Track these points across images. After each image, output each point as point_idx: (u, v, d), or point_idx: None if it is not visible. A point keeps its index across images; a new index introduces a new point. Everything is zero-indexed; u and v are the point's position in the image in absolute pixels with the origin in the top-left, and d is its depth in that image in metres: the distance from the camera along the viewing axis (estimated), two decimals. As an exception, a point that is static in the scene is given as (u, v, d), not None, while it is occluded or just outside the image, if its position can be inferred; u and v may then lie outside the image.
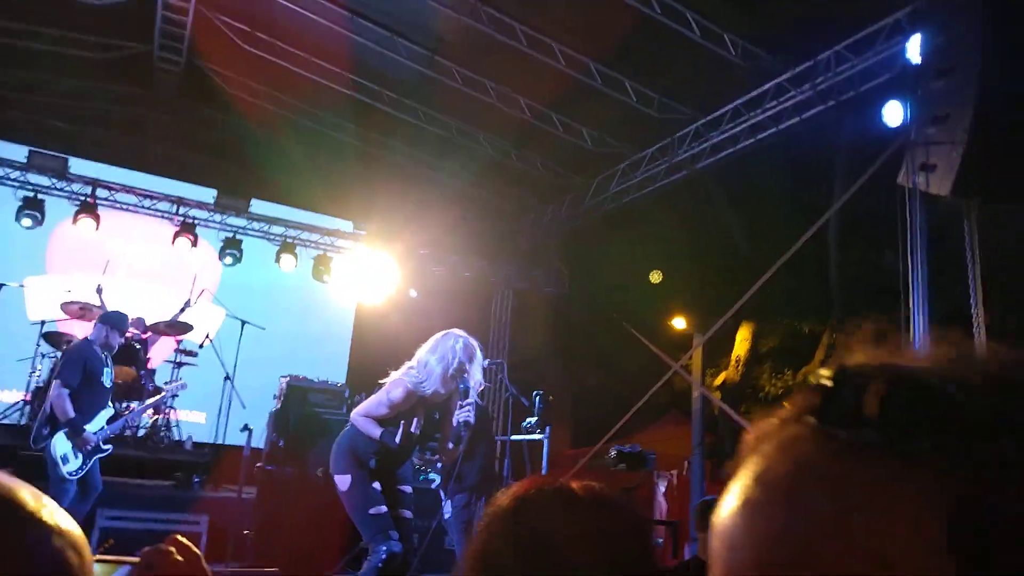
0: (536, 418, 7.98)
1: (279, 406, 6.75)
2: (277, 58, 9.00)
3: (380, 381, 3.80)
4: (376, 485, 3.65)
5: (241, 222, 9.93)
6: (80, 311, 7.39)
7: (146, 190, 9.65)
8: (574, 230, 11.96)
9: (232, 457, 7.22)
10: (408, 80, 8.94)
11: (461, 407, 3.70)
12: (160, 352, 8.13)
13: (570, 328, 14.14)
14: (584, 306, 12.79)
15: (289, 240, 10.01)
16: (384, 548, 3.48)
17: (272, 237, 10.09)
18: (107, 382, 5.27)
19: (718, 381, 11.57)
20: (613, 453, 9.80)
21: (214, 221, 9.85)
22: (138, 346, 7.45)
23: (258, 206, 10.08)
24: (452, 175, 10.73)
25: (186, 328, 7.72)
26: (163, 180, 10.04)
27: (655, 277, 10.30)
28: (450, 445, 3.83)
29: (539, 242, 11.76)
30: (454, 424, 3.73)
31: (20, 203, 8.78)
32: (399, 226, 10.67)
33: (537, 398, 8.04)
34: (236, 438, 7.62)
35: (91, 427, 5.05)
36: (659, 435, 14.13)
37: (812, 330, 10.99)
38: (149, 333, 7.65)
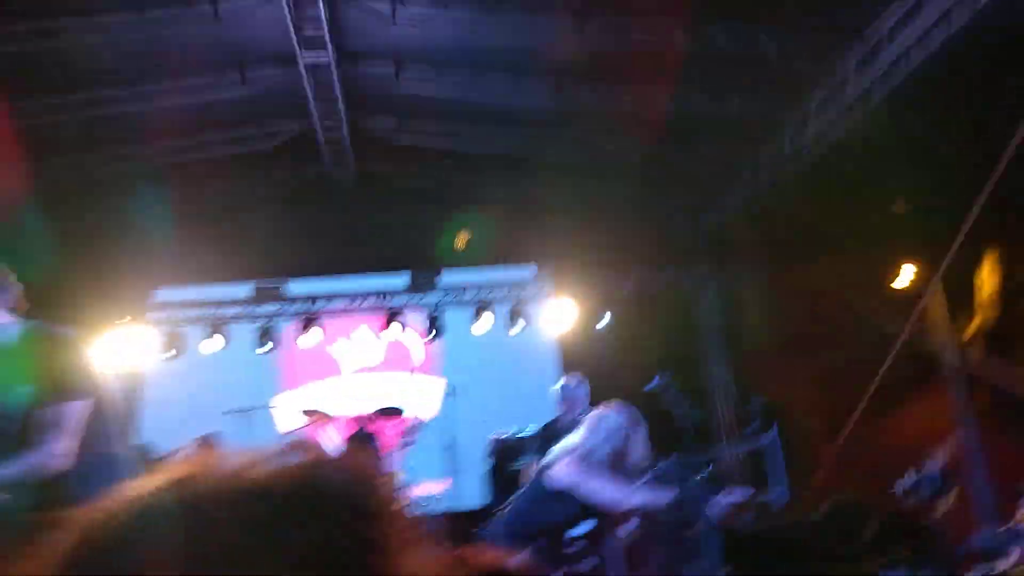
0: (757, 422, 7.47)
1: (491, 465, 6.98)
2: (427, 137, 9.58)
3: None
4: (546, 553, 3.63)
5: (436, 297, 10.55)
6: (314, 419, 8.24)
7: (352, 291, 10.62)
8: (761, 208, 11.20)
9: (473, 521, 7.54)
10: (537, 111, 8.96)
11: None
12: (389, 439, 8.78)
13: (792, 315, 13.15)
14: (800, 288, 11.84)
15: (479, 302, 10.44)
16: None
17: (465, 303, 10.59)
18: None
19: (972, 329, 10.02)
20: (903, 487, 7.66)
21: (413, 303, 10.56)
22: (367, 436, 8.15)
23: (447, 276, 10.66)
24: (612, 193, 10.51)
25: (396, 412, 8.29)
26: (365, 278, 10.97)
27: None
28: (629, 528, 3.73)
29: (725, 231, 11.14)
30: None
31: (257, 332, 10.05)
32: (576, 257, 10.71)
33: (755, 401, 7.55)
34: (471, 501, 8.02)
35: None
36: (921, 408, 12.55)
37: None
38: (370, 426, 8.35)
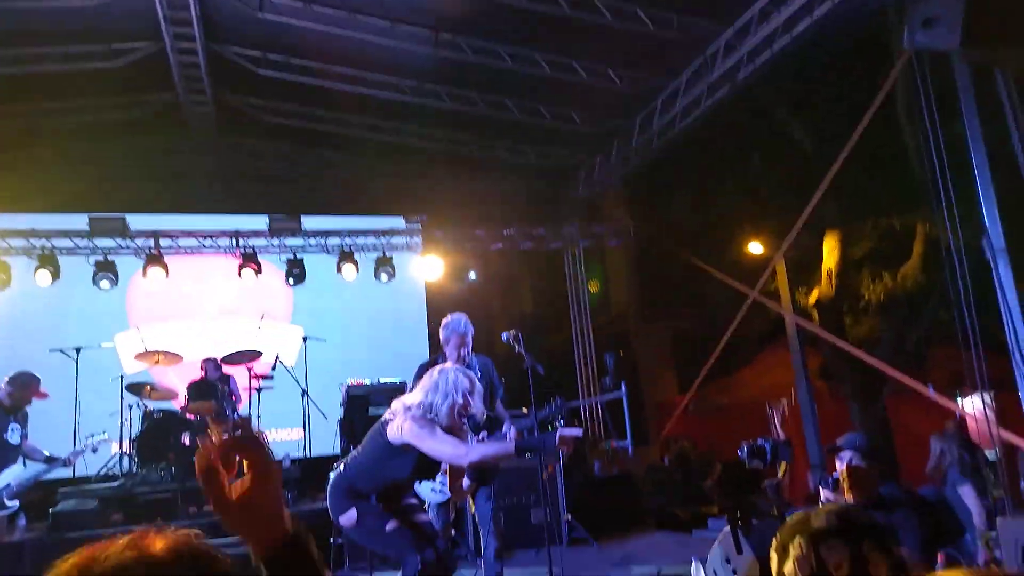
0: (610, 376, 7.74)
1: (343, 414, 6.84)
2: (294, 74, 9.06)
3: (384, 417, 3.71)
4: (381, 506, 3.58)
5: (298, 241, 10.12)
6: (155, 359, 7.75)
7: (205, 231, 9.99)
8: (631, 178, 11.51)
9: (323, 469, 7.38)
10: (418, 65, 8.78)
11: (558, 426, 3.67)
12: (242, 381, 8.41)
13: (652, 277, 13.70)
14: (661, 252, 12.31)
15: (346, 248, 10.11)
16: (417, 559, 3.40)
17: (331, 249, 10.23)
18: (13, 439, 5.35)
19: (812, 299, 10.85)
20: (743, 451, 8.55)
21: (273, 246, 10.08)
22: (216, 383, 7.75)
23: (311, 222, 10.24)
24: (487, 150, 10.55)
25: (255, 355, 7.95)
26: (220, 217, 10.36)
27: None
28: (466, 483, 3.73)
29: (596, 197, 11.39)
30: (538, 440, 3.67)
31: (93, 268, 9.27)
32: (449, 213, 10.60)
33: (607, 358, 7.80)
34: (324, 449, 7.84)
35: None
36: (766, 364, 13.52)
37: (904, 224, 10.09)
38: (224, 368, 7.95)
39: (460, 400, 3.54)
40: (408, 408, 3.56)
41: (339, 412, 7.32)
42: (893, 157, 9.67)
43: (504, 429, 4.52)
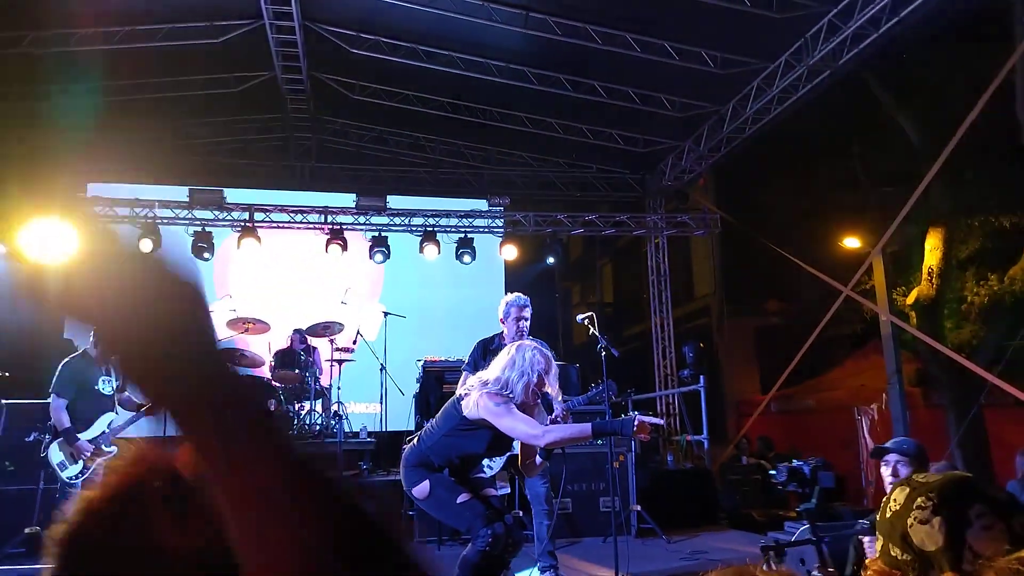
0: (689, 369, 7.53)
1: (419, 390, 6.94)
2: (385, 54, 9.18)
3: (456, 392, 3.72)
4: (453, 479, 3.58)
5: (383, 220, 10.32)
6: (244, 327, 8.04)
7: (296, 206, 10.30)
8: (722, 168, 11.17)
9: (398, 442, 7.52)
10: (509, 45, 8.75)
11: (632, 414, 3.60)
12: (325, 353, 8.65)
13: (740, 268, 13.29)
14: (750, 243, 11.93)
15: (430, 229, 10.24)
16: (487, 532, 3.38)
17: (415, 229, 10.38)
18: (105, 389, 5.44)
19: (911, 299, 10.27)
20: (782, 474, 7.89)
21: (359, 224, 10.31)
22: (302, 353, 8.00)
23: (396, 201, 10.41)
24: (573, 132, 10.43)
25: (338, 328, 8.16)
26: (311, 194, 10.67)
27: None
28: (539, 460, 3.69)
29: (683, 184, 11.11)
30: (614, 425, 3.61)
31: (192, 237, 9.71)
32: (532, 196, 10.57)
33: (688, 348, 7.59)
34: (400, 424, 7.98)
35: (87, 435, 5.26)
36: (857, 366, 12.93)
37: (1015, 224, 9.41)
38: (309, 339, 8.20)
39: (535, 378, 3.50)
40: (485, 383, 3.54)
41: (415, 388, 7.44)
42: (1008, 150, 9.04)
43: (556, 411, 4.45)
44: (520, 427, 3.41)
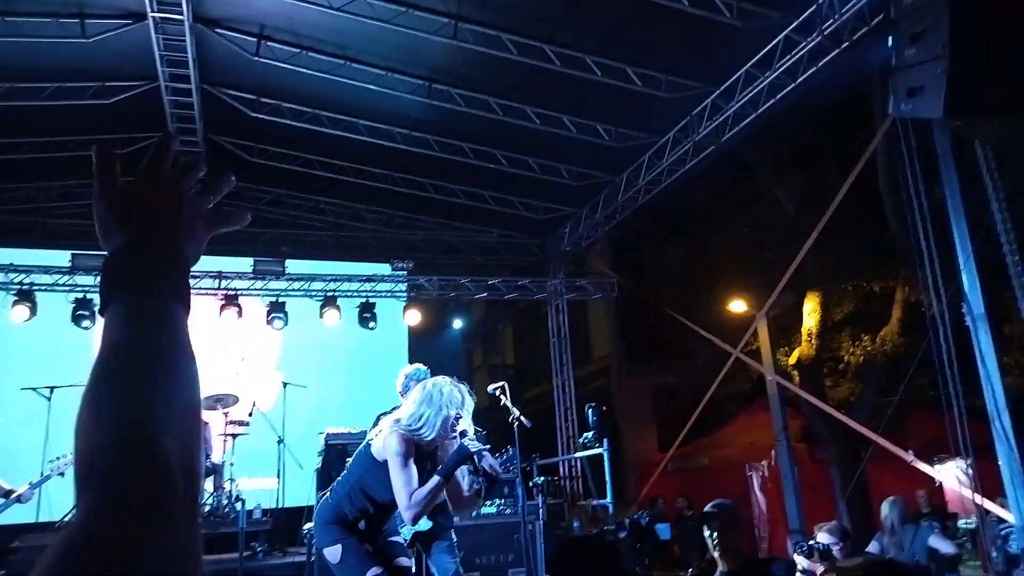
0: (593, 432, 7.66)
1: (321, 464, 6.70)
2: (285, 119, 9.12)
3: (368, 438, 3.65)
4: (368, 547, 3.48)
5: (282, 285, 10.07)
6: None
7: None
8: (617, 234, 11.61)
9: (297, 520, 7.19)
10: (412, 113, 8.90)
11: (481, 456, 3.53)
12: (217, 427, 8.23)
13: (637, 331, 13.71)
14: (645, 306, 12.37)
15: (330, 294, 10.06)
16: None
17: (314, 294, 10.18)
18: None
19: (792, 359, 10.90)
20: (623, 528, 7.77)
21: (256, 289, 10.01)
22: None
23: (295, 266, 10.20)
24: (480, 200, 10.62)
25: (232, 400, 7.80)
26: (204, 258, 10.28)
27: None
28: (466, 489, 3.63)
29: (581, 250, 11.47)
30: (453, 457, 3.53)
31: (73, 305, 9.13)
32: (437, 259, 10.62)
33: (590, 411, 7.72)
34: (299, 500, 7.64)
35: None
36: (750, 424, 13.48)
37: (884, 288, 10.24)
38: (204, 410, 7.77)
39: (453, 412, 3.46)
40: (397, 422, 3.48)
41: (316, 461, 7.15)
42: (872, 221, 9.86)
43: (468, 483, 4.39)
44: (399, 484, 3.35)
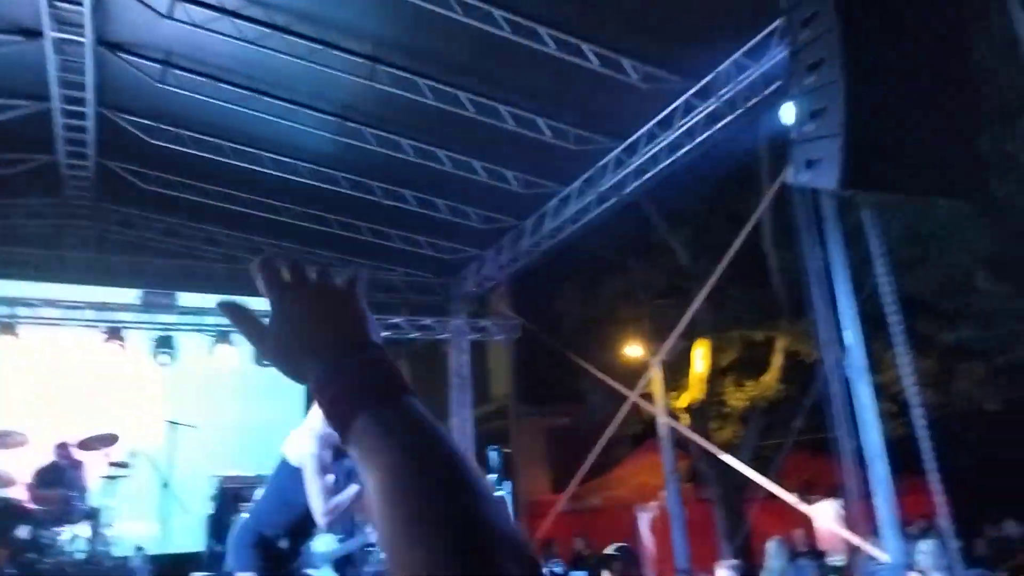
0: (496, 475, 7.70)
1: (213, 510, 6.38)
2: (185, 147, 8.82)
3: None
4: None
5: (171, 318, 9.61)
6: (9, 442, 7.00)
7: (69, 301, 9.30)
8: (519, 275, 11.84)
9: (184, 567, 6.81)
10: (320, 148, 8.82)
11: None
12: (96, 468, 7.69)
13: (534, 371, 13.93)
14: (543, 348, 12.60)
15: (224, 329, 9.68)
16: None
17: (206, 328, 9.76)
18: None
19: (684, 403, 11.41)
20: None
21: (143, 321, 9.50)
22: (67, 469, 7.06)
23: (187, 299, 9.77)
24: (384, 237, 10.58)
25: (113, 439, 7.34)
26: (87, 288, 9.69)
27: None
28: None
29: (485, 291, 11.60)
30: None
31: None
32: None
33: (494, 453, 7.77)
34: (183, 546, 7.24)
35: None
36: (639, 465, 13.90)
37: (767, 337, 10.95)
38: (76, 453, 7.27)
39: None
40: (311, 429, 3.44)
41: (208, 507, 6.78)
42: (757, 275, 10.56)
43: None
44: (315, 488, 3.33)
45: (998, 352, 8.31)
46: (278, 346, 0.76)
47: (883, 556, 5.69)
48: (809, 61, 3.69)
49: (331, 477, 3.39)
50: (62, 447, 7.34)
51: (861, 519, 7.00)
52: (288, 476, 3.45)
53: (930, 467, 5.38)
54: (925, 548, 6.42)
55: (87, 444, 7.41)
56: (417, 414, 0.67)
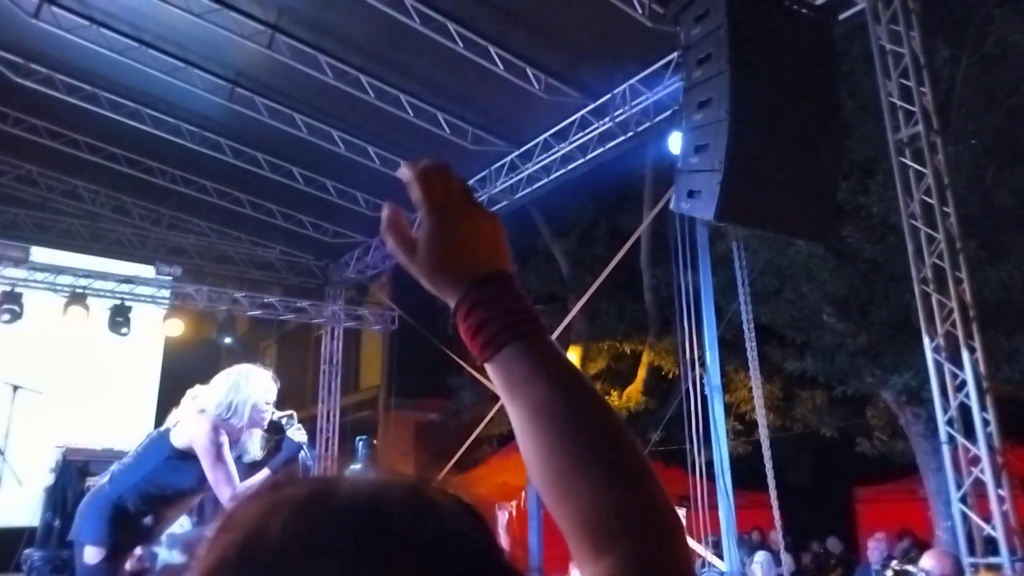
0: (360, 465, 7.60)
1: (53, 481, 5.98)
2: (56, 92, 8.18)
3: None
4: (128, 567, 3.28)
5: (21, 273, 8.88)
6: None
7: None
8: (400, 268, 11.77)
9: (10, 542, 6.32)
10: (207, 113, 8.43)
11: (288, 429, 3.49)
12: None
13: (407, 364, 13.87)
14: (419, 342, 12.58)
15: (79, 290, 9.05)
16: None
17: (59, 288, 9.09)
18: None
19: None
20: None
21: (-12, 273, 8.74)
22: None
23: (41, 254, 9.06)
24: (265, 213, 10.24)
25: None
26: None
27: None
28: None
29: (366, 279, 11.45)
30: (285, 452, 3.49)
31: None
32: (208, 267, 10.00)
33: (360, 443, 7.69)
34: (14, 519, 6.73)
35: None
36: (503, 465, 14.13)
37: (634, 350, 11.44)
38: None
39: (263, 399, 3.37)
40: (203, 411, 3.30)
41: (48, 478, 6.31)
42: (630, 288, 11.02)
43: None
44: (219, 476, 3.22)
45: (838, 382, 9.10)
46: (431, 260, 0.74)
47: (721, 564, 6.11)
48: (700, 99, 3.95)
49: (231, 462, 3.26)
50: None
51: (703, 528, 7.47)
52: (168, 456, 3.30)
53: (771, 483, 5.83)
54: (759, 559, 6.94)
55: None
56: (560, 351, 0.70)
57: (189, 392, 3.48)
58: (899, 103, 4.81)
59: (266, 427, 3.53)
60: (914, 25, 4.78)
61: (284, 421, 3.68)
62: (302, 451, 3.46)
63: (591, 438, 0.64)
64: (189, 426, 3.28)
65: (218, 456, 3.20)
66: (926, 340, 4.56)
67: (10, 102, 8.46)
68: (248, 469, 3.47)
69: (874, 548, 8.30)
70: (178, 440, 3.30)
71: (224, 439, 3.24)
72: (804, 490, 12.06)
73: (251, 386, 3.37)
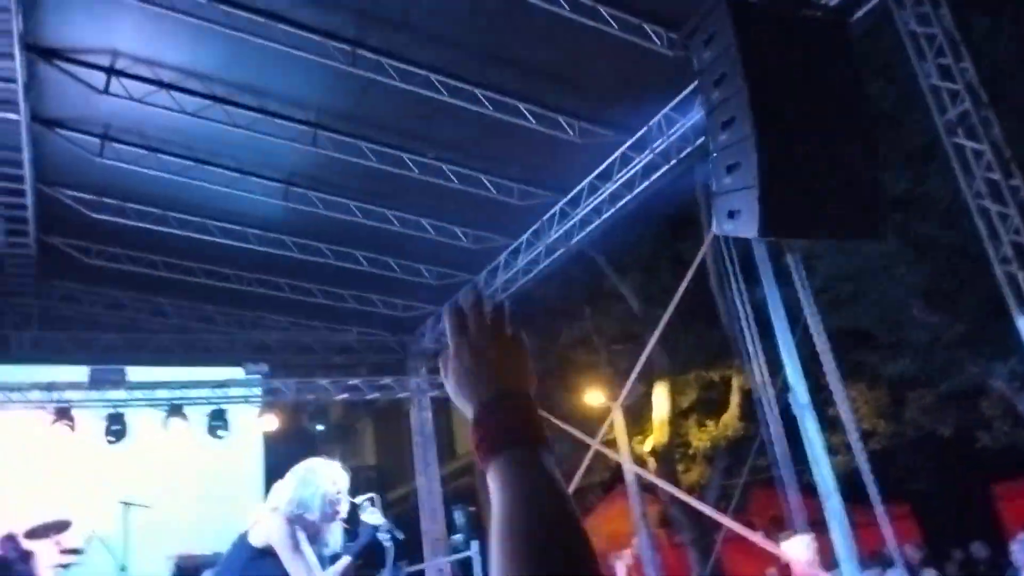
0: (461, 534, 7.60)
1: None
2: (128, 219, 8.75)
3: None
4: None
5: (121, 394, 9.39)
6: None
7: (14, 383, 9.06)
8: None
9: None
10: (268, 215, 8.83)
11: (363, 513, 3.52)
12: (47, 557, 7.39)
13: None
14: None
15: (176, 402, 9.49)
16: None
17: (158, 402, 9.56)
18: None
19: (647, 446, 11.44)
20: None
21: (92, 399, 9.27)
22: (16, 562, 6.77)
23: (137, 373, 9.57)
24: (337, 299, 10.55)
25: (64, 525, 7.08)
26: (33, 368, 9.46)
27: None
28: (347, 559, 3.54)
29: (442, 347, 11.57)
30: (362, 537, 3.53)
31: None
32: (292, 360, 10.33)
33: (458, 513, 7.69)
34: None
35: None
36: (610, 514, 13.80)
37: (722, 377, 11.10)
38: (25, 543, 6.98)
39: (333, 489, 3.40)
40: (276, 509, 3.35)
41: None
42: (706, 316, 10.76)
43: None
44: (300, 571, 3.24)
45: (941, 378, 8.55)
46: (450, 387, 0.92)
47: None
48: (723, 119, 3.89)
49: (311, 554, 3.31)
50: (9, 539, 7.02)
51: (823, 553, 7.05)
52: (252, 558, 3.37)
53: (874, 498, 5.48)
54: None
55: (36, 533, 7.10)
56: (542, 463, 0.82)
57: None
58: (941, 84, 4.61)
59: (345, 516, 3.56)
60: (941, 3, 4.60)
61: (361, 504, 3.70)
62: (377, 533, 3.47)
63: (526, 553, 0.74)
64: (264, 525, 3.34)
65: (295, 549, 3.24)
66: (1019, 321, 4.25)
67: (89, 236, 9.08)
68: (331, 560, 3.49)
69: (1019, 550, 7.61)
70: (256, 539, 3.35)
71: (301, 534, 3.28)
72: (933, 496, 11.27)
73: (318, 479, 3.42)
